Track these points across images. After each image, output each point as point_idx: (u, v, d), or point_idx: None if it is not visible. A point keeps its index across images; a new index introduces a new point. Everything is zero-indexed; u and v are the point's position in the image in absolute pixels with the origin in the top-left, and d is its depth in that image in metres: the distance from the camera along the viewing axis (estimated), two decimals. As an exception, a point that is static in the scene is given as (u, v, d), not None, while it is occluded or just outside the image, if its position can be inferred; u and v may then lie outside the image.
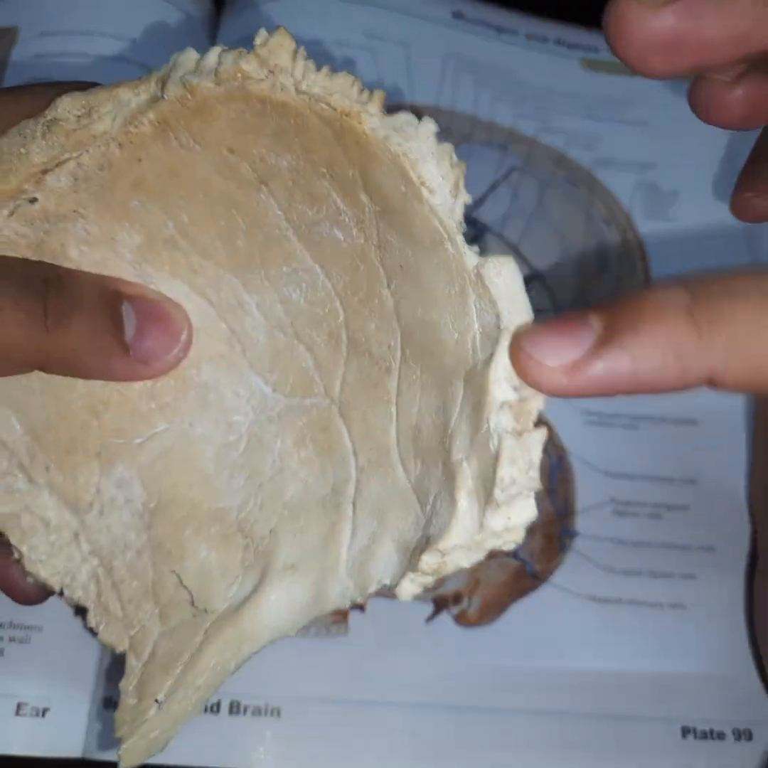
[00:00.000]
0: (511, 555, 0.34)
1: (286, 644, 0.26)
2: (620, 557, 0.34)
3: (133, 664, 0.25)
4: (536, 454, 0.20)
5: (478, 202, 0.40)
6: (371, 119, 0.21)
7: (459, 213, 0.20)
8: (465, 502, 0.21)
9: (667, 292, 0.18)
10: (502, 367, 0.20)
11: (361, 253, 0.23)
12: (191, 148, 0.23)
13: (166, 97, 0.22)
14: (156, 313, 0.25)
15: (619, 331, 0.18)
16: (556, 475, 0.35)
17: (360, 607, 0.32)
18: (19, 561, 0.26)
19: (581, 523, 0.35)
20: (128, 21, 0.43)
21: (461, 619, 0.33)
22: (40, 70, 0.42)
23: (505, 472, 0.20)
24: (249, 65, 0.21)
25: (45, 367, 0.23)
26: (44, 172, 0.23)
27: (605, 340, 0.18)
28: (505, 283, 0.20)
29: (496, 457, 0.20)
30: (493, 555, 0.23)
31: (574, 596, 0.33)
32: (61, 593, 0.26)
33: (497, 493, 0.20)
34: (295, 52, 0.21)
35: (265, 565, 0.25)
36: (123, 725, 0.24)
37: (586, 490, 0.35)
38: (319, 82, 0.21)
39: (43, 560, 0.26)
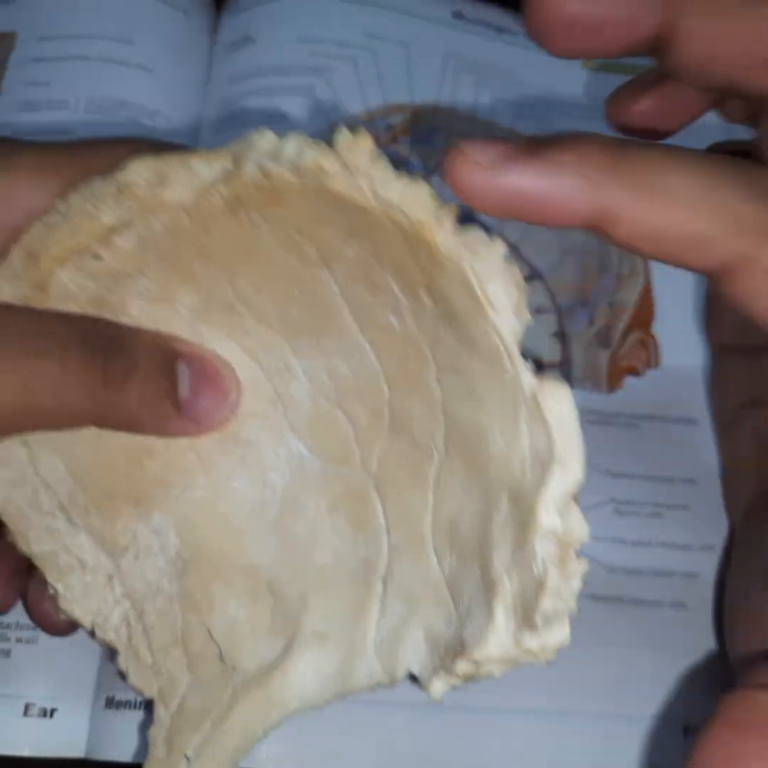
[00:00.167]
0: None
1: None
2: (621, 556, 0.34)
3: (161, 712, 0.26)
4: (576, 584, 0.21)
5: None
6: (444, 233, 0.21)
7: (520, 333, 0.21)
8: (502, 616, 0.22)
9: (588, 134, 0.20)
10: (551, 497, 0.21)
11: (414, 342, 0.24)
12: (259, 224, 0.23)
13: (240, 176, 0.22)
14: (209, 373, 0.25)
15: (540, 147, 0.19)
16: (556, 474, 0.35)
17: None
18: (54, 598, 0.26)
19: (581, 522, 0.34)
20: (127, 23, 0.43)
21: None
22: (39, 75, 0.42)
23: (548, 602, 0.21)
24: (328, 163, 0.21)
25: (99, 424, 0.24)
26: (112, 232, 0.23)
27: (526, 152, 0.19)
28: (560, 412, 0.21)
29: (540, 585, 0.21)
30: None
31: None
32: (93, 633, 0.27)
33: (537, 618, 0.21)
34: (375, 155, 0.21)
35: (293, 629, 0.26)
36: None
37: (586, 490, 0.34)
38: (396, 189, 0.21)
39: (77, 599, 0.26)
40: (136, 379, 0.24)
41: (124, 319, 0.25)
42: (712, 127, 0.29)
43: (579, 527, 0.21)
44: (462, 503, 0.24)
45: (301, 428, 0.27)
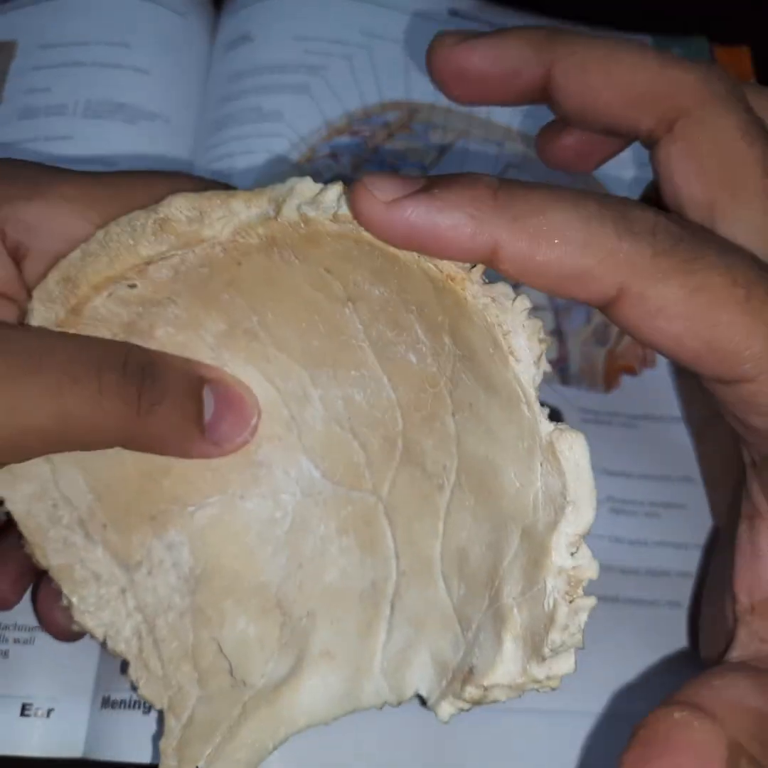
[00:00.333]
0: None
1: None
2: (617, 555, 0.34)
3: (171, 724, 0.26)
4: (583, 619, 0.22)
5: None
6: (473, 287, 0.22)
7: (538, 381, 0.22)
8: (511, 645, 0.23)
9: (483, 176, 0.21)
10: (564, 537, 0.22)
11: (431, 379, 0.24)
12: (291, 262, 0.24)
13: (279, 219, 0.23)
14: (232, 398, 0.27)
15: (436, 185, 0.21)
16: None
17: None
18: (67, 608, 0.27)
19: (578, 521, 0.34)
20: (123, 27, 0.44)
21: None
22: (39, 82, 0.42)
23: (556, 636, 0.22)
24: None
25: (127, 445, 0.25)
26: (148, 263, 0.24)
27: (423, 190, 0.21)
28: (575, 458, 0.22)
29: (551, 620, 0.22)
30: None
31: (572, 595, 0.33)
32: (105, 644, 0.27)
33: (545, 650, 0.22)
34: None
35: (301, 647, 0.27)
36: None
37: (584, 489, 0.35)
38: None
39: (90, 611, 0.27)
40: (166, 404, 0.25)
41: (151, 343, 0.26)
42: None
43: (588, 565, 0.22)
44: (472, 534, 0.25)
45: (314, 452, 0.28)
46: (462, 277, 0.22)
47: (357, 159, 0.41)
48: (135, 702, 0.31)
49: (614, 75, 0.24)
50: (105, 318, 0.25)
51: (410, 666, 0.26)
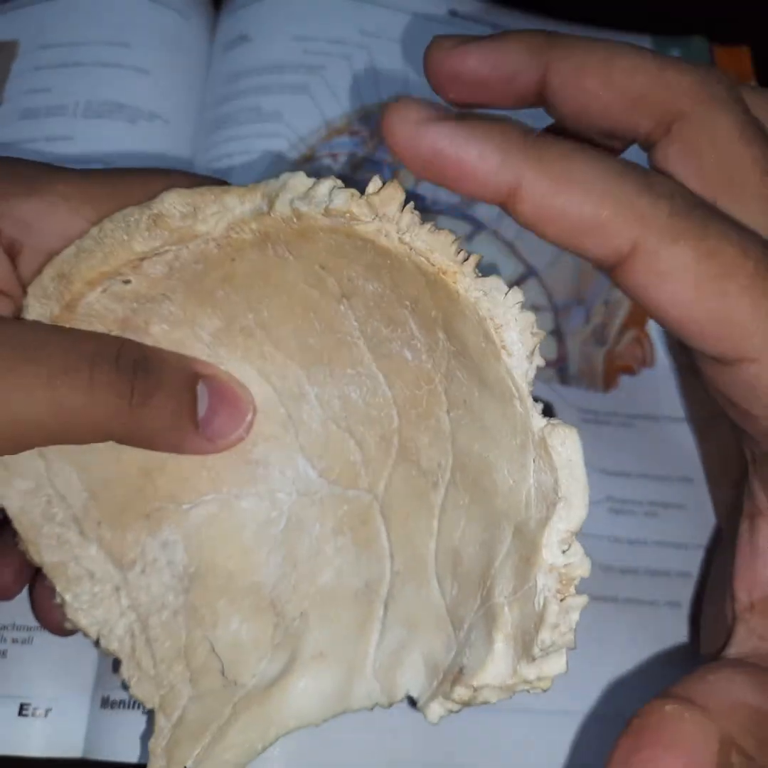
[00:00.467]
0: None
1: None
2: (616, 555, 0.34)
3: (162, 723, 0.26)
4: (575, 618, 0.22)
5: (473, 200, 0.40)
6: (465, 280, 0.22)
7: (531, 376, 0.22)
8: (501, 645, 0.22)
9: (518, 122, 0.22)
10: (556, 533, 0.21)
11: (426, 376, 0.24)
12: (285, 257, 0.24)
13: (271, 214, 0.23)
14: (226, 394, 0.26)
15: (468, 116, 0.21)
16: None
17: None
18: (61, 606, 0.27)
19: (577, 521, 0.34)
20: (123, 26, 0.44)
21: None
22: (40, 82, 0.42)
23: (546, 635, 0.21)
24: (359, 208, 0.22)
25: (121, 439, 0.25)
26: (142, 259, 0.24)
27: (455, 116, 0.21)
28: (567, 453, 0.21)
29: (540, 618, 0.21)
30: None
31: (571, 595, 0.33)
32: (98, 643, 0.27)
33: (536, 650, 0.22)
34: (404, 205, 0.22)
35: (294, 647, 0.27)
36: None
37: (583, 489, 0.35)
38: (421, 237, 0.22)
39: (84, 609, 0.27)
40: (159, 398, 0.25)
41: (147, 340, 0.26)
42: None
43: (580, 563, 0.22)
44: (466, 533, 0.25)
45: (311, 451, 0.28)
46: (454, 271, 0.22)
47: (356, 159, 0.41)
48: (134, 702, 0.31)
49: (611, 78, 0.24)
50: (100, 314, 0.25)
51: (402, 667, 0.26)
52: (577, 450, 0.22)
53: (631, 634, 0.33)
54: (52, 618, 0.29)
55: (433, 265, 0.22)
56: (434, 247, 0.22)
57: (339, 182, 0.22)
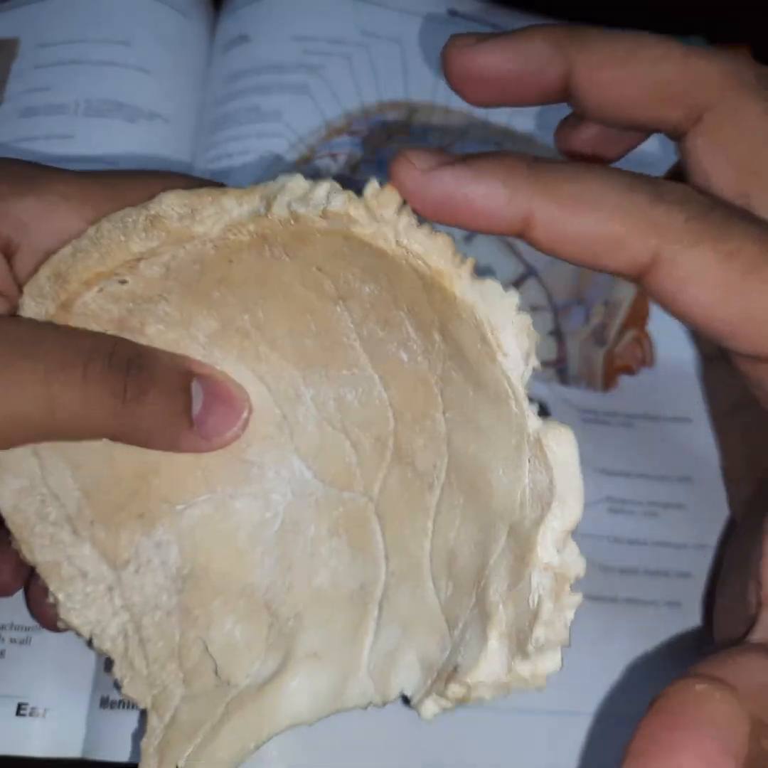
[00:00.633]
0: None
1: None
2: (616, 555, 0.34)
3: (154, 723, 0.26)
4: (570, 616, 0.22)
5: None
6: (462, 283, 0.22)
7: (527, 377, 0.22)
8: (496, 642, 0.22)
9: (521, 153, 0.22)
10: (551, 532, 0.22)
11: (422, 377, 0.24)
12: (282, 259, 0.24)
13: (269, 216, 0.23)
14: (221, 392, 0.26)
15: (470, 157, 0.21)
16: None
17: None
18: (54, 605, 0.27)
19: (577, 521, 0.34)
20: (125, 25, 0.43)
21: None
22: (40, 80, 0.42)
23: (540, 632, 0.21)
24: (356, 211, 0.22)
25: (115, 437, 0.25)
26: (139, 260, 0.24)
27: (459, 160, 0.21)
28: (563, 453, 0.22)
29: (535, 616, 0.21)
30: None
31: (570, 595, 0.33)
32: (91, 642, 0.27)
33: (530, 647, 0.22)
34: (401, 208, 0.22)
35: (288, 648, 0.27)
36: None
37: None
38: (418, 240, 0.22)
39: (76, 609, 0.27)
40: (153, 395, 0.25)
41: (142, 340, 0.26)
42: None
43: (575, 562, 0.22)
44: (461, 533, 0.25)
45: (306, 452, 0.27)
46: (450, 274, 0.22)
47: (355, 159, 0.41)
48: (135, 704, 0.31)
49: (637, 70, 0.24)
50: (95, 314, 0.25)
51: (396, 667, 0.26)
52: (573, 449, 0.22)
53: (631, 634, 0.33)
54: (46, 614, 0.29)
55: (429, 268, 0.22)
56: (431, 250, 0.22)
57: (336, 185, 0.22)
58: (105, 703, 0.31)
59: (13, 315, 0.25)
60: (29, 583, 0.30)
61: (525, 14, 0.45)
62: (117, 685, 0.27)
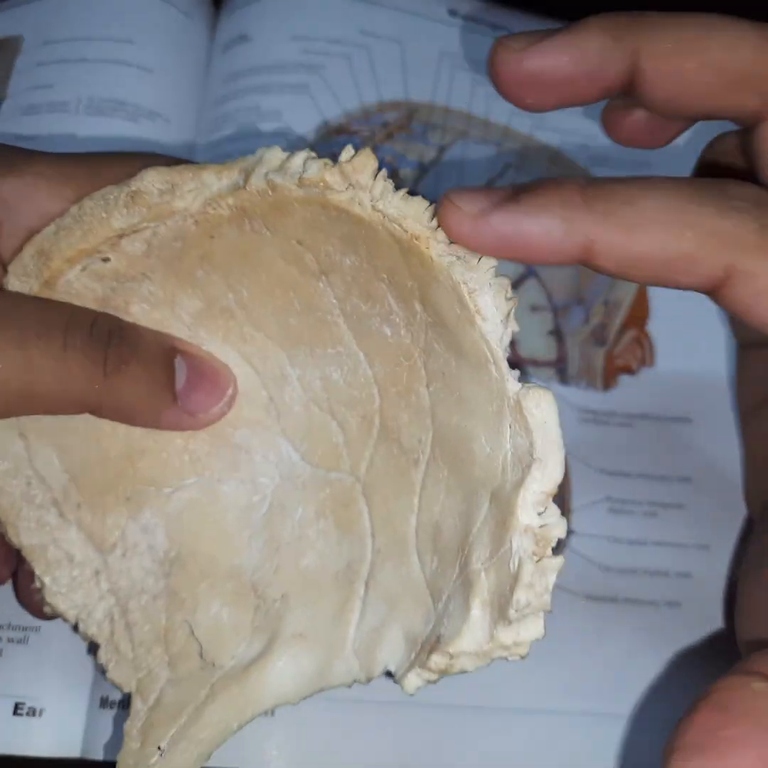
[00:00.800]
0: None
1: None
2: (616, 555, 0.34)
3: (138, 706, 0.26)
4: (552, 580, 0.21)
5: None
6: (438, 246, 0.22)
7: (506, 341, 0.22)
8: (478, 611, 0.22)
9: (569, 177, 0.21)
10: (531, 493, 0.22)
11: (405, 351, 0.24)
12: (262, 233, 0.24)
13: (247, 188, 0.23)
14: (205, 369, 0.26)
15: (521, 193, 0.21)
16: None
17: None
18: (40, 590, 0.27)
19: (576, 521, 0.34)
20: (128, 23, 0.43)
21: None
22: (43, 78, 0.42)
23: (521, 594, 0.21)
24: (332, 177, 0.22)
25: (98, 411, 0.25)
26: (121, 236, 0.24)
27: (509, 199, 0.21)
28: (542, 415, 0.21)
29: (515, 579, 0.21)
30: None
31: (569, 595, 0.33)
32: (76, 627, 0.27)
33: (511, 612, 0.21)
34: (377, 173, 0.22)
35: (274, 629, 0.26)
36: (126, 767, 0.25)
37: (582, 488, 0.35)
38: (394, 204, 0.22)
39: (63, 593, 0.27)
40: (134, 366, 0.24)
41: (126, 319, 0.26)
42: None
43: (555, 524, 0.22)
44: (446, 506, 0.25)
45: (293, 434, 0.27)
46: (426, 236, 0.22)
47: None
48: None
49: (710, 57, 0.22)
50: (79, 292, 0.25)
51: (381, 643, 0.25)
52: (552, 411, 0.21)
53: (630, 634, 0.33)
54: (33, 600, 0.29)
55: (406, 231, 0.22)
56: (407, 213, 0.22)
57: (313, 154, 0.22)
58: (104, 702, 0.31)
59: None
60: (16, 570, 0.30)
61: (525, 14, 0.45)
62: (102, 670, 0.27)
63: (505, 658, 0.22)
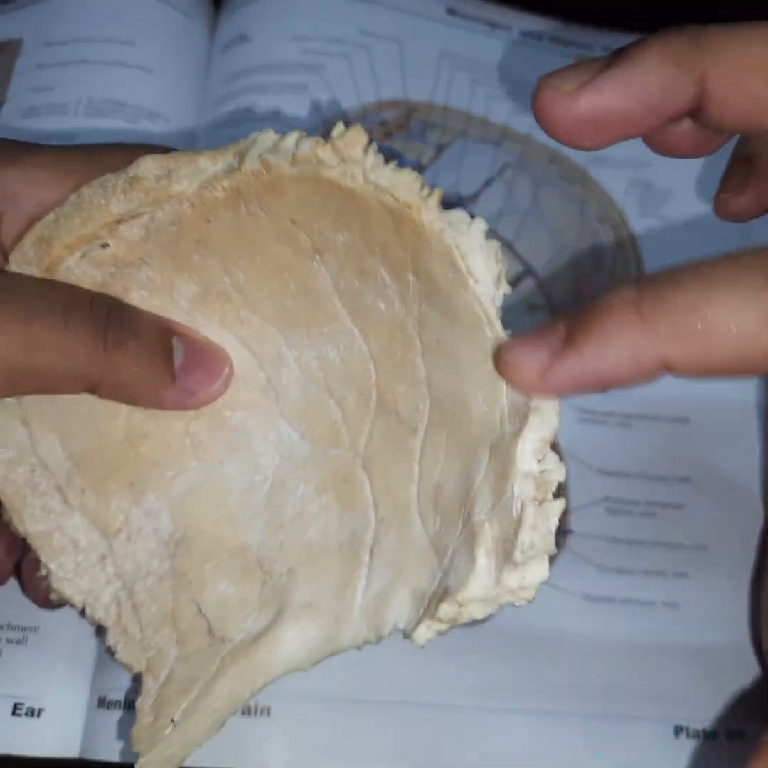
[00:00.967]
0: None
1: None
2: (614, 555, 0.34)
3: (149, 685, 0.26)
4: (554, 522, 0.22)
5: (471, 198, 0.40)
6: (429, 213, 0.22)
7: (499, 301, 0.22)
8: (483, 559, 0.23)
9: (617, 292, 0.19)
10: (529, 441, 0.22)
11: (400, 324, 0.25)
12: (257, 215, 0.24)
13: (242, 169, 0.23)
14: (201, 349, 0.27)
15: (576, 334, 0.20)
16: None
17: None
18: (46, 577, 0.27)
19: (575, 521, 0.34)
20: (128, 24, 0.44)
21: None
22: (43, 80, 0.42)
23: (525, 536, 0.22)
24: (324, 153, 0.23)
25: (98, 389, 0.25)
26: (119, 222, 0.25)
27: (566, 345, 0.20)
28: None
29: (518, 522, 0.22)
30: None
31: (568, 595, 0.33)
32: (83, 612, 0.27)
33: (517, 554, 0.22)
34: (367, 146, 0.23)
35: (282, 602, 0.27)
36: (140, 741, 0.26)
37: (580, 488, 0.35)
38: (385, 175, 0.23)
39: (69, 579, 0.27)
40: (133, 344, 0.25)
41: None
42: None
43: (555, 468, 0.22)
44: (445, 468, 0.25)
45: (292, 414, 0.28)
46: (418, 205, 0.22)
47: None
48: (131, 702, 0.31)
49: None
50: (79, 279, 0.26)
51: (389, 604, 0.26)
52: None
53: (628, 634, 0.33)
54: (37, 588, 0.29)
55: (398, 201, 0.22)
56: (399, 184, 0.22)
57: (304, 133, 0.23)
58: (102, 702, 0.31)
59: None
60: (21, 559, 0.30)
61: (524, 13, 0.45)
62: (111, 652, 0.27)
63: (513, 604, 0.23)
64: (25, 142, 0.27)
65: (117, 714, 0.31)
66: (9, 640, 0.31)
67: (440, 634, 0.24)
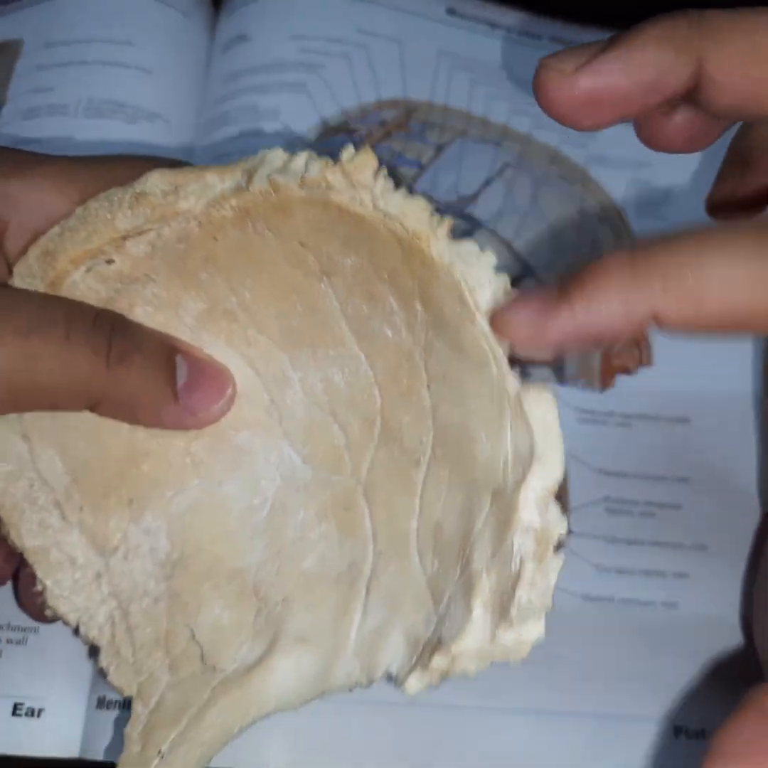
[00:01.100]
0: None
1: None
2: (613, 555, 0.34)
3: (139, 710, 0.26)
4: (553, 579, 0.22)
5: (471, 198, 0.40)
6: (439, 244, 0.22)
7: None
8: (480, 611, 0.22)
9: (613, 253, 0.20)
10: (531, 492, 0.22)
11: (407, 353, 0.25)
12: (265, 235, 0.24)
13: (250, 189, 0.23)
14: (205, 368, 0.26)
15: (570, 290, 0.20)
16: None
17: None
18: (41, 592, 0.27)
19: (574, 521, 0.34)
20: (127, 25, 0.44)
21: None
22: (43, 81, 0.42)
23: (523, 592, 0.22)
24: (334, 177, 0.22)
25: (99, 406, 0.25)
26: (125, 238, 0.24)
27: (559, 299, 0.20)
28: (542, 414, 0.22)
29: (517, 577, 0.22)
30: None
31: (567, 595, 0.33)
32: (77, 630, 0.27)
33: (513, 611, 0.22)
34: (377, 171, 0.22)
35: (276, 633, 0.27)
36: None
37: (580, 488, 0.35)
38: (395, 203, 0.22)
39: (64, 596, 0.27)
40: (136, 361, 0.25)
41: None
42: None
43: (557, 523, 0.22)
44: (447, 506, 0.25)
45: (295, 437, 0.27)
46: (427, 235, 0.22)
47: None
48: (130, 702, 0.31)
49: None
50: (84, 294, 0.25)
51: (383, 645, 0.25)
52: (552, 409, 0.22)
53: (626, 634, 0.33)
54: (33, 602, 0.29)
55: (407, 230, 0.22)
56: (408, 212, 0.22)
57: (314, 154, 0.23)
58: (102, 703, 0.31)
59: None
60: (17, 571, 0.30)
61: (523, 12, 0.45)
62: (103, 674, 0.27)
63: (506, 660, 0.23)
64: (32, 152, 0.27)
65: (117, 714, 0.31)
66: (9, 641, 0.31)
67: (431, 685, 0.24)
